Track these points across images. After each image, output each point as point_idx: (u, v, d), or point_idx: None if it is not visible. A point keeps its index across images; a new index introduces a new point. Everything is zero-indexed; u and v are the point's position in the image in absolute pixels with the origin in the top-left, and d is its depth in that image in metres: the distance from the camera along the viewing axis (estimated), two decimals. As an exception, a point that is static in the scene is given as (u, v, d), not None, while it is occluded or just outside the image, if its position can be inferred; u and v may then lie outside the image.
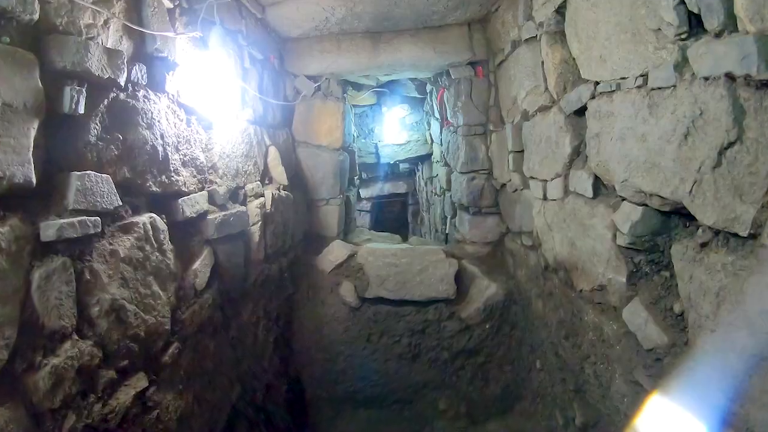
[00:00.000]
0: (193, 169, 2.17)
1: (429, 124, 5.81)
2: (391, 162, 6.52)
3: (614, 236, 1.88)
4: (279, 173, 3.21)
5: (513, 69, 3.27)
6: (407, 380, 3.84)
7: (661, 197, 1.56)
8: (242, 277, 2.60)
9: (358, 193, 8.10)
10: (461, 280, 3.68)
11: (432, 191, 6.18)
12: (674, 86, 1.44)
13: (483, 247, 4.22)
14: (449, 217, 5.00)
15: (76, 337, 1.41)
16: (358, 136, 6.14)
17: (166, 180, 1.94)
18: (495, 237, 4.14)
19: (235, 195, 2.60)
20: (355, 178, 5.05)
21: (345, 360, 3.76)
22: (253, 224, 2.72)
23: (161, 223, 1.87)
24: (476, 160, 4.13)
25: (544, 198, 2.70)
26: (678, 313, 1.60)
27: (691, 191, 1.39)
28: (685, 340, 1.54)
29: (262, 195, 2.92)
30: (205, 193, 2.23)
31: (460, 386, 3.83)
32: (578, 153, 2.29)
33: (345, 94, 4.71)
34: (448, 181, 4.86)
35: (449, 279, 3.53)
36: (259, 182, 2.92)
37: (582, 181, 2.16)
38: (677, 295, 1.59)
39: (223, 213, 2.33)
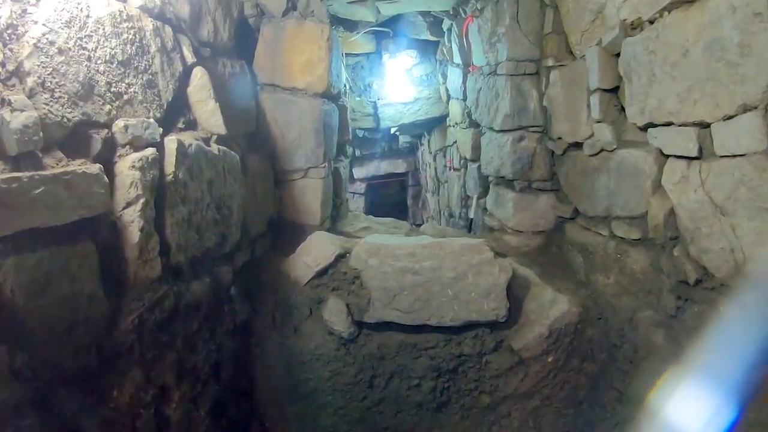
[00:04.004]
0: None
1: (444, 76, 4.42)
2: (395, 125, 5.10)
3: None
4: (208, 114, 1.76)
5: (596, -37, 2.07)
6: (428, 437, 2.60)
7: None
8: (103, 323, 1.20)
9: (351, 172, 6.75)
10: (510, 289, 2.40)
11: (445, 166, 4.85)
12: None
13: (532, 239, 2.95)
14: (475, 197, 3.69)
15: None
16: (350, 91, 4.73)
17: None
18: (549, 224, 2.89)
19: (79, 138, 1.19)
20: (347, 144, 3.68)
21: (335, 414, 2.47)
22: (128, 204, 1.28)
23: None
24: (526, 112, 2.82)
25: (699, 156, 1.41)
26: None
27: None
28: None
29: (156, 144, 1.44)
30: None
31: (504, 441, 2.62)
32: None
33: (334, 27, 3.35)
34: (476, 148, 3.54)
35: (499, 291, 2.23)
36: (154, 122, 1.45)
37: None
38: None
39: (20, 175, 0.96)
